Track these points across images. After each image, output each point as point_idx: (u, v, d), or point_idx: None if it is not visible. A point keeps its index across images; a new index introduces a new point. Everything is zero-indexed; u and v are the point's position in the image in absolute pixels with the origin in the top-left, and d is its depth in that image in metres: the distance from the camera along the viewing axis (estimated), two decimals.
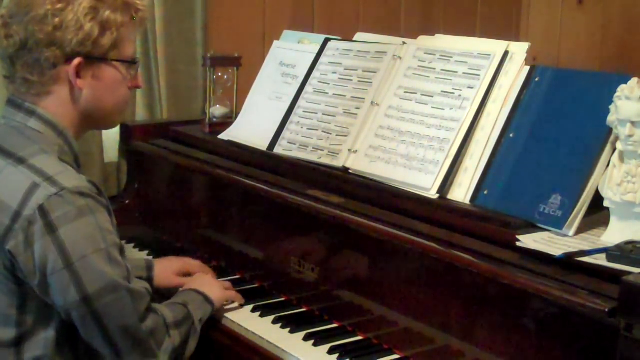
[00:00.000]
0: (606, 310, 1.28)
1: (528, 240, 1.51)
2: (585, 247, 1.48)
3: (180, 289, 1.86)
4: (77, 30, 1.56)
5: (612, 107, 1.53)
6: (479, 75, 1.83)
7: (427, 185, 1.77)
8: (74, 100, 1.62)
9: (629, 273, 1.30)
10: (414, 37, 2.06)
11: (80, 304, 1.49)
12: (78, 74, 1.60)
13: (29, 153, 1.55)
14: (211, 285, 1.86)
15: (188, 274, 2.00)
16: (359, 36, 2.21)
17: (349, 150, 1.95)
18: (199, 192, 2.30)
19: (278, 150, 2.10)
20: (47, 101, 1.62)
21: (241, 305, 1.89)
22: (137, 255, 2.21)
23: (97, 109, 1.65)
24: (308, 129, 2.08)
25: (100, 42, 1.59)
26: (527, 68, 1.79)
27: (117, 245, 1.55)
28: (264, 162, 2.12)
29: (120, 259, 1.55)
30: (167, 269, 2.00)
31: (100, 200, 1.55)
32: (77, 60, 1.58)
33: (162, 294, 1.89)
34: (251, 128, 2.23)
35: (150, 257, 2.04)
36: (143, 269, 1.97)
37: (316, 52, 2.18)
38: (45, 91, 1.61)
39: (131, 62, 1.68)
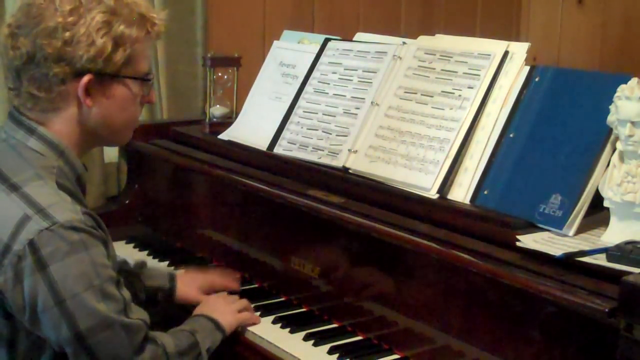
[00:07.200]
0: (606, 310, 1.28)
1: (528, 240, 1.51)
2: (585, 247, 1.48)
3: (193, 313, 1.79)
4: (88, 46, 1.48)
5: (612, 107, 1.53)
6: (479, 75, 1.83)
7: (427, 185, 1.77)
8: (82, 118, 1.55)
9: (629, 273, 1.30)
10: (414, 37, 2.06)
11: (73, 340, 1.44)
12: (87, 92, 1.52)
13: (24, 179, 1.48)
14: (224, 311, 1.77)
15: (212, 289, 1.94)
16: (359, 36, 2.20)
17: (349, 150, 1.95)
18: (199, 192, 2.30)
19: (278, 150, 2.10)
20: (53, 118, 1.54)
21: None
22: (137, 256, 2.21)
23: (105, 126, 1.58)
24: (308, 129, 2.08)
25: (113, 58, 1.51)
26: (527, 68, 1.79)
27: (112, 279, 1.48)
28: (264, 162, 2.12)
29: (116, 292, 1.48)
30: (190, 283, 1.94)
31: (95, 234, 1.47)
32: (87, 78, 1.50)
33: (188, 310, 1.85)
34: (251, 128, 2.23)
35: (172, 269, 2.02)
36: (166, 279, 1.93)
37: (316, 52, 2.18)
38: (52, 108, 1.53)
39: (145, 79, 1.60)
